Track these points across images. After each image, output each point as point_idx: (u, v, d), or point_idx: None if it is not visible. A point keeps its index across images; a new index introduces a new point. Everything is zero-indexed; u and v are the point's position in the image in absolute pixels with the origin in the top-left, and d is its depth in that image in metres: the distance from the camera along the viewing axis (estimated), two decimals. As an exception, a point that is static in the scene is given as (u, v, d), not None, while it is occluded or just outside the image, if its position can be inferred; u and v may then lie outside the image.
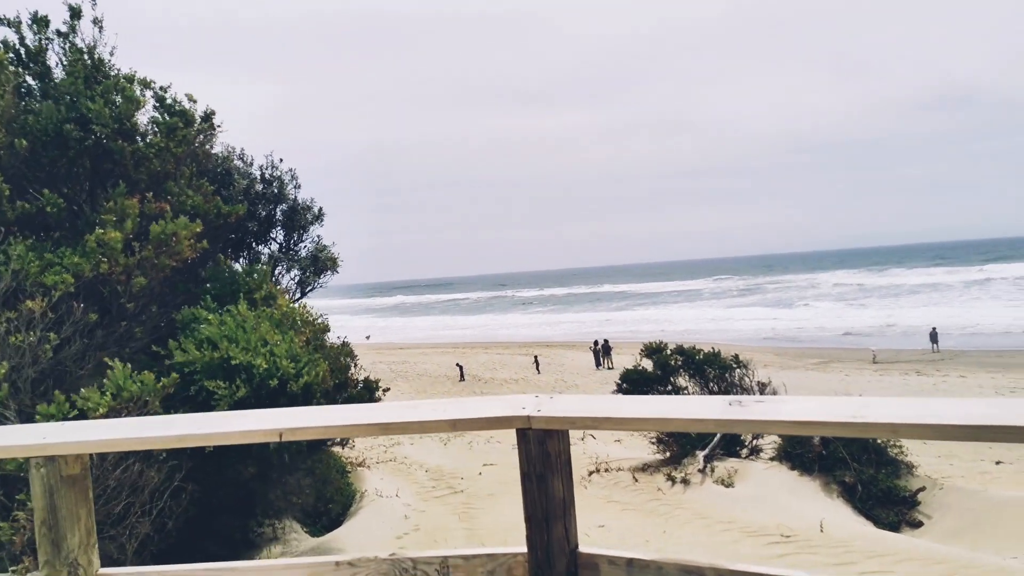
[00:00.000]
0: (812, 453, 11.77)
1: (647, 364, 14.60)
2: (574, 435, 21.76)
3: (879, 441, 11.91)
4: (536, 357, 38.87)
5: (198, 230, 7.23)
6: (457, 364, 37.83)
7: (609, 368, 37.59)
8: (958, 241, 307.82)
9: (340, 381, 8.02)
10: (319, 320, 8.09)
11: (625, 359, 40.07)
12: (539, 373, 36.62)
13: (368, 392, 8.37)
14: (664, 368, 14.08)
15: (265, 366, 6.49)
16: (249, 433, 2.81)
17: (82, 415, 4.98)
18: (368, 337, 67.29)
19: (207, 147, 10.05)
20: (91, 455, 3.14)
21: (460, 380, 36.23)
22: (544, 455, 2.39)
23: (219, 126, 9.15)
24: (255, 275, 8.49)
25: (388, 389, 9.88)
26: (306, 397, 6.76)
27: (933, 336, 38.77)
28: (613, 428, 2.50)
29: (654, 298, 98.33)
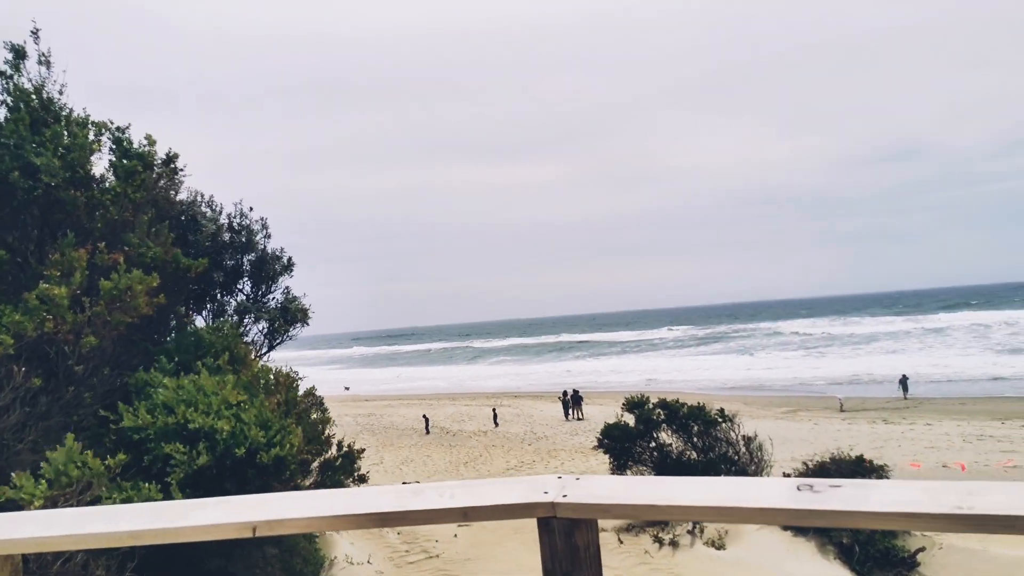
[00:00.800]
0: (806, 512, 11.16)
1: (628, 418, 13.96)
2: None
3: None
4: (495, 410, 37.77)
5: (155, 284, 6.49)
6: (423, 416, 36.82)
7: (579, 419, 36.83)
8: (913, 290, 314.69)
9: (316, 447, 7.25)
10: (292, 378, 7.33)
11: (593, 409, 39.44)
12: (497, 426, 35.59)
13: (348, 461, 7.60)
14: (647, 423, 13.45)
15: (229, 429, 5.73)
16: (215, 528, 2.19)
17: (14, 504, 4.20)
18: (347, 388, 65.86)
19: (170, 193, 9.34)
20: (23, 555, 2.56)
21: (426, 433, 35.19)
22: (571, 549, 1.90)
23: (182, 169, 8.46)
24: (222, 332, 7.73)
25: (364, 450, 9.10)
26: (278, 469, 5.99)
27: (903, 383, 38.83)
28: (656, 517, 2.02)
29: (620, 347, 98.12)
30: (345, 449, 7.82)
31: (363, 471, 7.94)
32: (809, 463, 11.74)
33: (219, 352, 7.54)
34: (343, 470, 7.35)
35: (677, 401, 13.62)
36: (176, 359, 6.68)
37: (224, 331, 7.59)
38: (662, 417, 13.50)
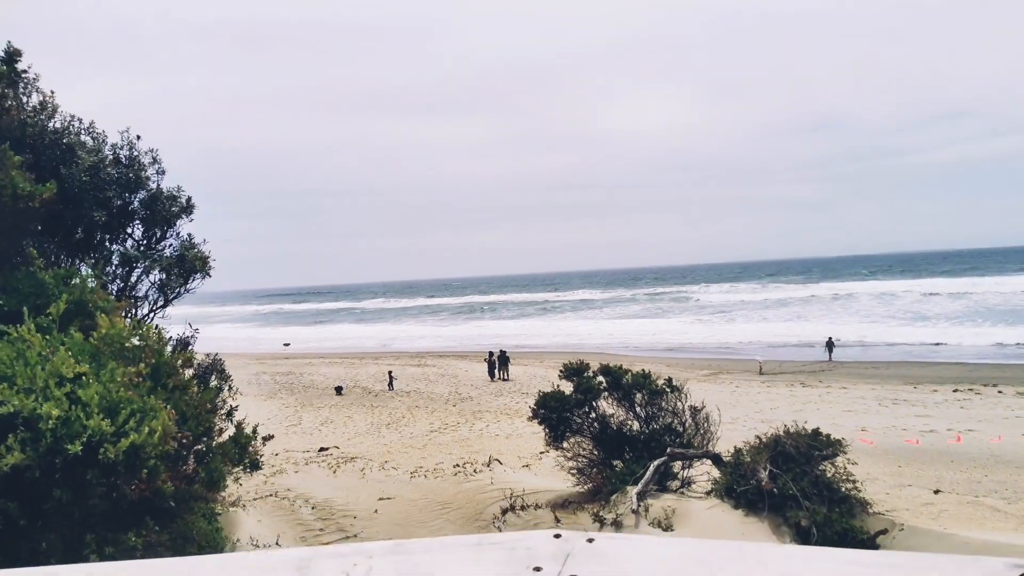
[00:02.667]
0: (760, 489, 10.04)
1: (566, 386, 12.59)
2: (472, 447, 19.23)
3: (829, 474, 10.33)
4: (391, 372, 35.70)
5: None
6: (389, 372, 35.04)
7: (504, 379, 35.61)
8: (826, 257, 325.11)
9: (200, 431, 5.53)
10: (162, 338, 5.55)
11: (517, 370, 38.31)
12: (391, 390, 33.91)
13: (239, 449, 5.89)
14: (586, 391, 12.11)
15: (58, 415, 4.00)
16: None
17: None
18: (287, 344, 62.82)
19: (7, 103, 7.34)
20: None
21: (389, 389, 33.43)
22: None
23: (26, 71, 6.44)
24: (76, 281, 5.88)
25: (271, 437, 7.41)
26: (131, 466, 4.29)
27: (829, 346, 39.05)
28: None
29: (540, 307, 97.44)
30: (234, 432, 6.11)
31: (260, 454, 6.25)
32: (763, 437, 10.63)
33: (75, 303, 5.71)
34: (230, 456, 5.65)
35: (620, 368, 12.31)
36: (4, 309, 4.85)
37: (78, 278, 5.75)
38: (603, 385, 12.19)
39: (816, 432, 10.45)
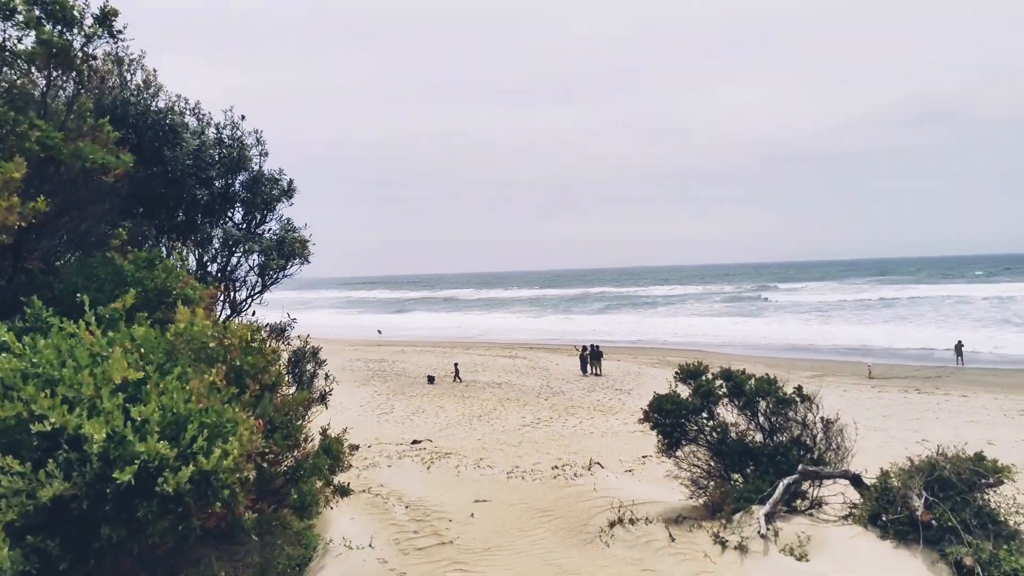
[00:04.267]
0: (914, 519, 8.54)
1: (681, 389, 11.31)
2: (568, 445, 17.97)
3: (994, 504, 8.74)
4: (456, 365, 34.54)
5: (17, 175, 3.83)
6: (455, 364, 34.53)
7: (596, 374, 34.38)
8: (939, 257, 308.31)
9: (289, 443, 4.62)
10: (253, 333, 4.65)
11: (610, 366, 36.97)
12: (459, 381, 32.91)
13: (331, 460, 4.95)
14: (705, 396, 10.81)
15: (102, 437, 3.10)
16: None
17: None
18: (380, 332, 63.25)
19: (111, 80, 6.67)
20: None
21: (456, 380, 32.87)
22: None
23: (120, 32, 5.66)
24: (158, 267, 5.06)
25: (357, 448, 6.51)
26: (201, 497, 3.37)
27: (958, 349, 36.22)
28: None
29: (635, 302, 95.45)
30: (329, 438, 5.17)
31: (349, 465, 5.29)
32: (914, 459, 9.12)
33: (151, 292, 4.90)
34: (321, 472, 4.72)
35: (743, 372, 10.94)
36: (66, 299, 4.02)
37: (158, 263, 4.92)
38: (724, 390, 10.86)
39: (980, 456, 8.84)
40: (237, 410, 3.90)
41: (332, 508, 11.64)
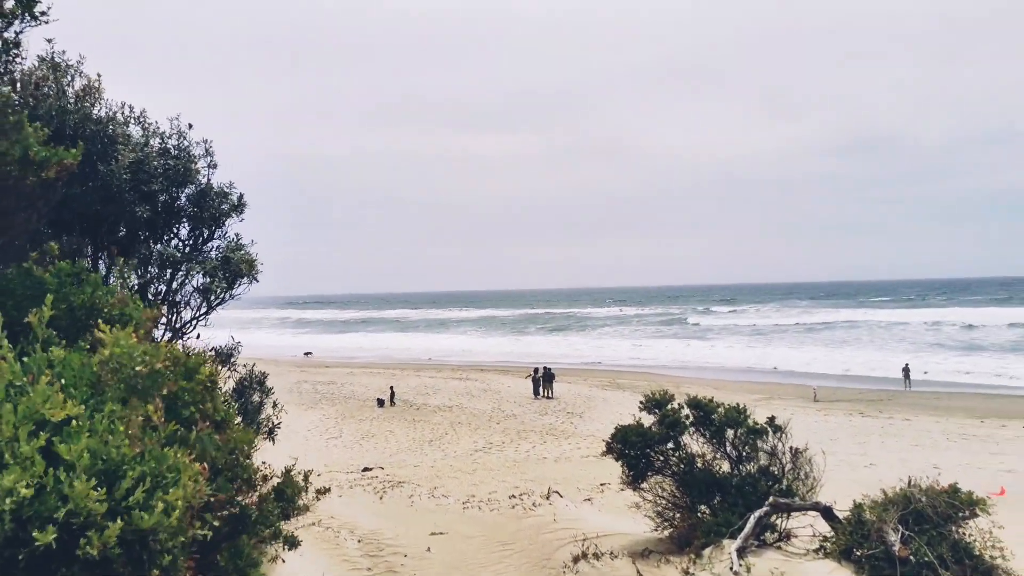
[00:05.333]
0: (890, 554, 8.23)
1: (645, 418, 10.90)
2: (524, 472, 17.40)
3: (971, 539, 8.49)
4: (392, 388, 33.32)
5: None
6: (390, 388, 33.45)
7: (548, 397, 33.93)
8: (878, 281, 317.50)
9: (236, 482, 4.00)
10: (199, 360, 4.01)
11: (561, 388, 36.54)
12: (394, 405, 31.96)
13: (283, 505, 4.33)
14: (672, 427, 10.41)
15: (26, 489, 2.49)
16: None
17: None
18: (308, 354, 61.75)
19: (42, 80, 5.98)
20: None
21: (391, 404, 31.88)
22: None
23: (44, 14, 4.97)
24: (86, 280, 4.41)
25: (327, 491, 5.90)
26: (134, 563, 2.76)
27: (906, 372, 36.81)
28: None
29: (581, 323, 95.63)
30: (285, 476, 4.55)
31: (296, 532, 4.68)
32: (887, 491, 8.85)
33: (77, 312, 4.25)
34: (268, 520, 4.10)
35: (711, 401, 10.59)
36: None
37: (85, 276, 4.27)
38: (690, 420, 10.48)
39: (955, 488, 8.61)
40: (179, 454, 3.28)
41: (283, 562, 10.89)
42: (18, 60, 6.31)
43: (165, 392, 3.62)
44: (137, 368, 3.32)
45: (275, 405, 10.51)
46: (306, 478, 5.08)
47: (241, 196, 9.87)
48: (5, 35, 4.74)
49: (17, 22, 4.73)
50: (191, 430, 3.74)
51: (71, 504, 2.62)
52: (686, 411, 10.54)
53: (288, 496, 4.51)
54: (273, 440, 10.86)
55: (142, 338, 4.01)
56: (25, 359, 3.09)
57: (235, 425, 4.50)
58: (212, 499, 3.63)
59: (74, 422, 2.89)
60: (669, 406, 10.63)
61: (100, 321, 3.53)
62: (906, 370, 37.07)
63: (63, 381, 3.17)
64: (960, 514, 8.42)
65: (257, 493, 4.40)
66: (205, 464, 3.66)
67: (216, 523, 3.51)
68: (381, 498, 14.51)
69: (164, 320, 9.87)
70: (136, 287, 9.93)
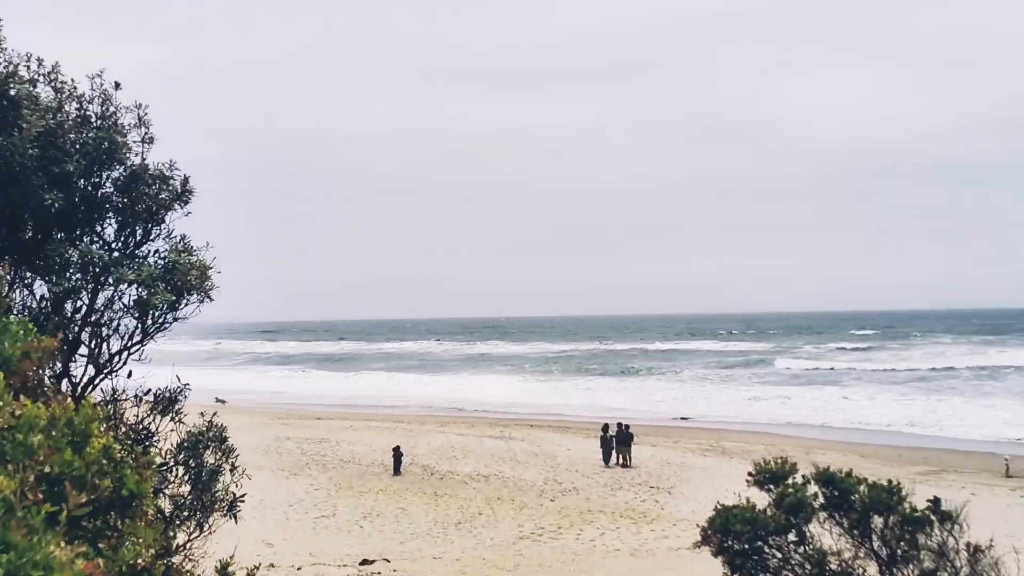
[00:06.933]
0: None
1: (758, 496, 10.52)
2: (587, 569, 17.05)
3: None
4: (397, 449, 33.00)
5: None
6: (394, 449, 33.09)
7: (624, 465, 33.69)
8: None
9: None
10: (95, 412, 3.80)
11: (641, 451, 36.11)
12: (400, 474, 31.94)
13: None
14: (794, 511, 10.00)
15: None
16: None
17: None
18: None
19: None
20: None
21: (395, 473, 31.75)
22: None
23: None
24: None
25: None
26: None
27: None
28: None
29: (665, 361, 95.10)
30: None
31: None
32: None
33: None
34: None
35: (849, 474, 10.15)
36: None
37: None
38: (820, 501, 10.07)
39: None
40: (53, 545, 3.05)
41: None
42: None
43: (40, 463, 3.41)
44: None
45: (234, 468, 10.37)
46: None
47: (186, 180, 9.85)
48: None
49: None
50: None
51: None
52: (813, 488, 10.13)
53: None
54: (235, 518, 10.72)
55: (17, 384, 3.82)
56: None
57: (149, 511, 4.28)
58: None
59: None
60: (790, 480, 10.23)
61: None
62: None
63: None
64: None
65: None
66: (100, 561, 3.45)
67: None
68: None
69: (84, 351, 9.84)
70: (48, 302, 9.94)
